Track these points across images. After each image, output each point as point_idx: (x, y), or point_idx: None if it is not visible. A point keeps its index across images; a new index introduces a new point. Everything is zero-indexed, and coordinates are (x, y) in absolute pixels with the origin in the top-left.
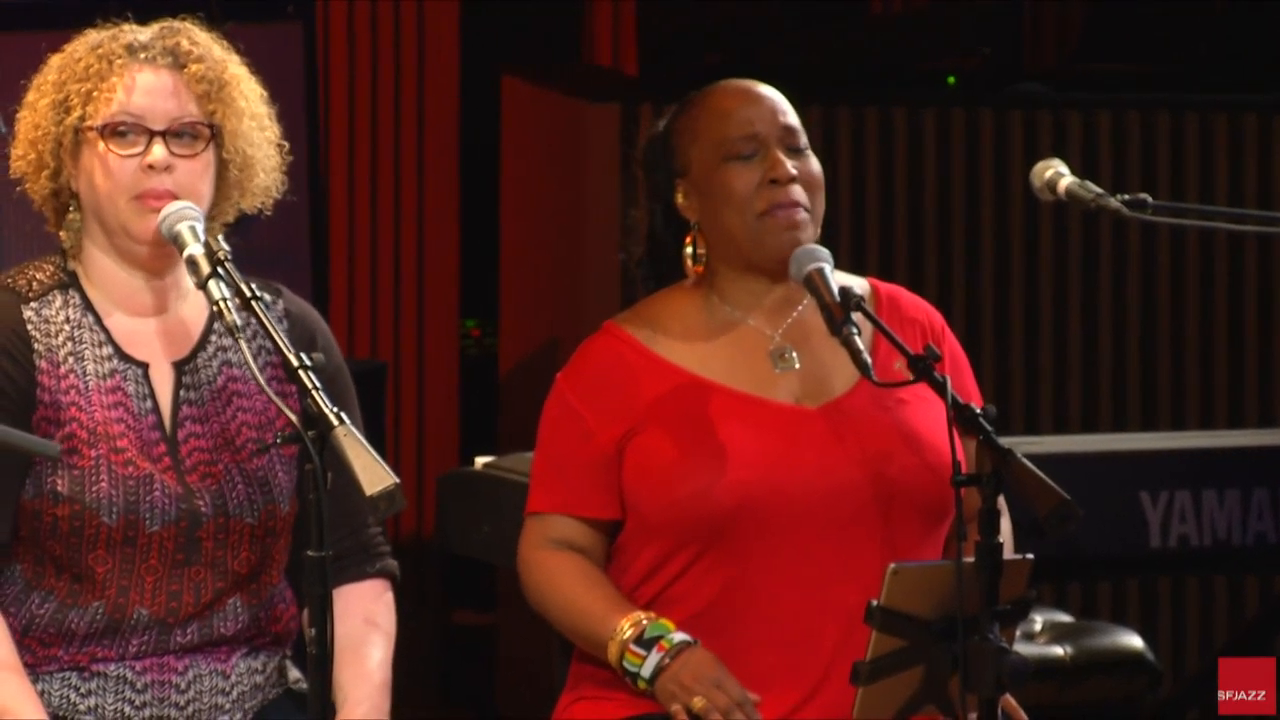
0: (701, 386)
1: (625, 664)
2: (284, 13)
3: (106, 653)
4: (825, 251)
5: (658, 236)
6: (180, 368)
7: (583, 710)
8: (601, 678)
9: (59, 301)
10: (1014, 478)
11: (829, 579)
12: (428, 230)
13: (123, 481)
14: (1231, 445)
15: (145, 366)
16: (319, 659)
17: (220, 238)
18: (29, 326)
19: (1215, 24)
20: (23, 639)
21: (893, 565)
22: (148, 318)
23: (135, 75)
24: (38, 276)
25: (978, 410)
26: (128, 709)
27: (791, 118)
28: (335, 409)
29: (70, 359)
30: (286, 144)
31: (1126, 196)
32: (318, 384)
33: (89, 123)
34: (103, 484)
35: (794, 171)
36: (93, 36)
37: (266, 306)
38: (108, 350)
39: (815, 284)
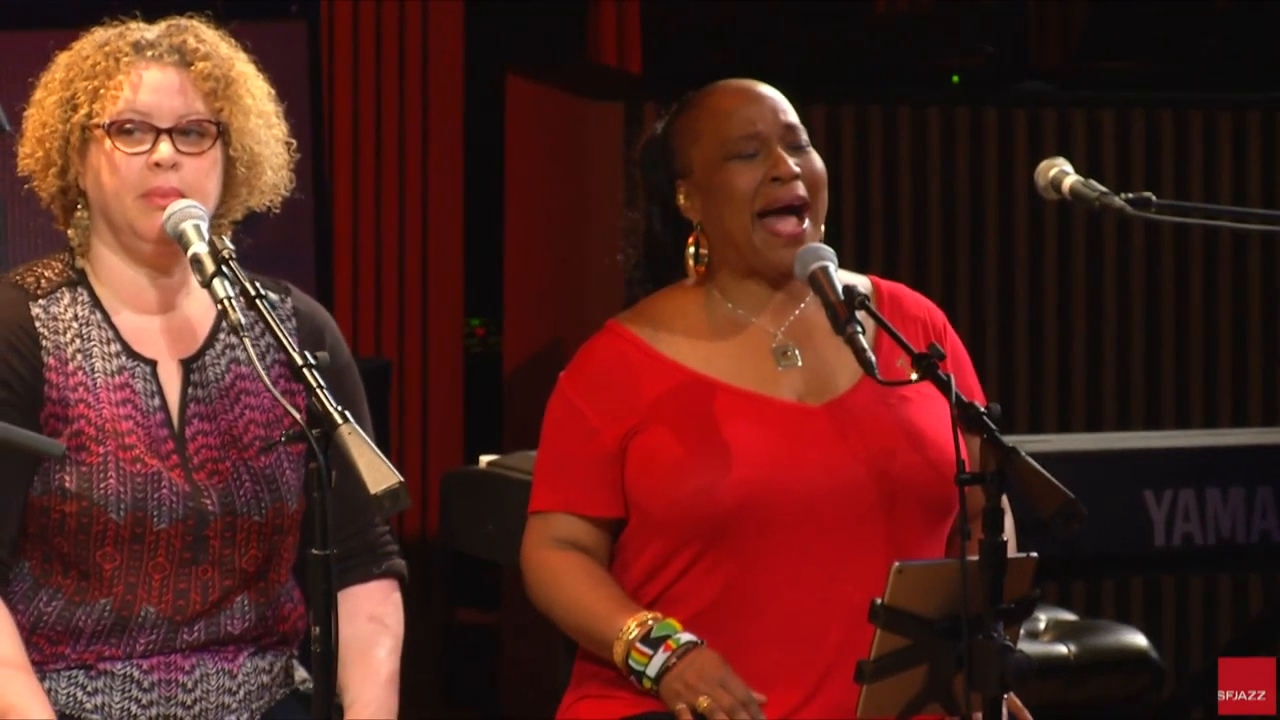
0: (704, 384)
1: (631, 663)
2: (288, 11)
3: (113, 651)
4: (829, 250)
5: (655, 238)
6: (188, 365)
7: (587, 709)
8: (605, 677)
9: (67, 299)
10: (1018, 476)
11: (832, 577)
12: (432, 228)
13: (131, 479)
14: (1235, 444)
15: (153, 364)
16: (323, 656)
17: (227, 236)
18: (37, 324)
19: (1217, 22)
20: (30, 636)
21: (897, 564)
22: (155, 315)
23: (142, 73)
24: (46, 274)
25: (982, 408)
26: (134, 708)
27: (791, 115)
28: (340, 407)
29: (78, 356)
30: (294, 141)
31: (1130, 195)
32: (322, 383)
33: (96, 120)
34: (111, 481)
35: (796, 169)
36: (100, 34)
37: (274, 305)
38: (116, 348)
39: (819, 282)
